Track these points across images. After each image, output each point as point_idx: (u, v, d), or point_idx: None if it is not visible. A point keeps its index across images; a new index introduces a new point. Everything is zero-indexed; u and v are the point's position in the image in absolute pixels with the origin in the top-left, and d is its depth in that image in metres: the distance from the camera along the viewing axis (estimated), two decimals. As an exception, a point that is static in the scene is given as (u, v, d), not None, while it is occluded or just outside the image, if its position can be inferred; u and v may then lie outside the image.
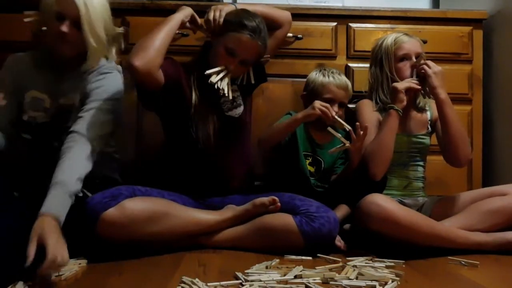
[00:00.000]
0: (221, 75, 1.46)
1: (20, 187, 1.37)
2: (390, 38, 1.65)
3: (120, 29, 1.49)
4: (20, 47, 1.53)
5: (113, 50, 1.48)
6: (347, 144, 1.50)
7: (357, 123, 1.50)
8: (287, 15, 1.68)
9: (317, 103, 1.52)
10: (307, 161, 1.68)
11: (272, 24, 1.62)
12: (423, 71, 1.55)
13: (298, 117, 1.55)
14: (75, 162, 1.22)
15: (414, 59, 1.61)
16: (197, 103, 1.49)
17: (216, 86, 1.45)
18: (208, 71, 1.46)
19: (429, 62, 1.55)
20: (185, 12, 1.49)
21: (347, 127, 1.51)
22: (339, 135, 1.52)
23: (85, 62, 1.37)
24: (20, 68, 1.43)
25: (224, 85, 1.46)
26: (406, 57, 1.62)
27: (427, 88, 1.57)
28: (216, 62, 1.48)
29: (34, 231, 1.04)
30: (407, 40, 1.64)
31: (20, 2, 1.59)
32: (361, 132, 1.48)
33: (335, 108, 1.63)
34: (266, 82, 1.72)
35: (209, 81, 1.44)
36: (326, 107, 1.52)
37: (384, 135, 1.53)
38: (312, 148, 1.70)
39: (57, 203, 1.12)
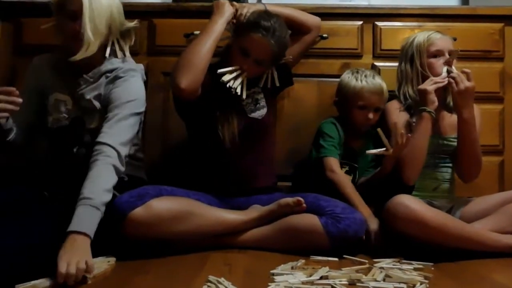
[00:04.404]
0: (234, 74, 1.48)
1: (47, 187, 1.40)
2: (421, 35, 1.63)
3: (133, 24, 1.44)
4: (51, 50, 1.55)
5: (126, 47, 1.45)
6: (391, 150, 1.48)
7: (401, 132, 1.47)
8: (315, 20, 1.67)
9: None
10: (344, 169, 1.65)
11: (300, 28, 1.62)
12: (451, 81, 1.50)
13: None
14: (102, 176, 1.21)
15: (447, 56, 1.59)
16: (221, 105, 1.51)
17: (228, 85, 1.46)
18: (220, 70, 1.47)
19: (458, 78, 1.49)
20: (226, 16, 1.49)
21: (388, 146, 1.48)
22: (386, 140, 1.49)
23: (103, 62, 1.39)
24: (45, 70, 1.44)
25: (236, 85, 1.47)
26: (439, 54, 1.59)
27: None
28: (232, 62, 1.50)
29: (64, 251, 1.05)
30: (440, 36, 1.61)
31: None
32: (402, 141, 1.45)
33: (370, 115, 1.61)
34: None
35: (221, 80, 1.45)
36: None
37: (417, 138, 1.50)
38: (349, 156, 1.67)
39: (85, 219, 1.12)
